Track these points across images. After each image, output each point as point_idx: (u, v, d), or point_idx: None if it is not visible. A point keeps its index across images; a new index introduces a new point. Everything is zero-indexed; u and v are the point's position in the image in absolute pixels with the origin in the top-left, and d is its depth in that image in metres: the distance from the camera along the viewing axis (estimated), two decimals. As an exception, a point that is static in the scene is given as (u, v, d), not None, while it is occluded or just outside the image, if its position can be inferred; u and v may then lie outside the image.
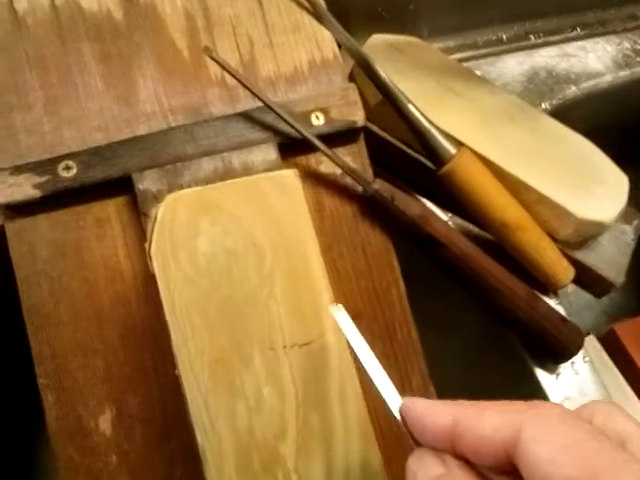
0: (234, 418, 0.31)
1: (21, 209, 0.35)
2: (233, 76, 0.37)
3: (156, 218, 0.32)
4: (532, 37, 0.61)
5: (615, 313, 0.75)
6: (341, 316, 0.29)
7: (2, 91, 0.37)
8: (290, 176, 0.34)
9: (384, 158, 0.51)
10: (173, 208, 0.32)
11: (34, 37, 0.38)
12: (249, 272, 0.32)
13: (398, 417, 0.25)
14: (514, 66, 0.60)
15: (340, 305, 0.30)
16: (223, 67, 0.36)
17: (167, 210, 0.32)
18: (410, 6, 0.54)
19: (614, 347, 0.66)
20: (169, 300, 0.31)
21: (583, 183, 0.46)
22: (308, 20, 0.42)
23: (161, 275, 0.32)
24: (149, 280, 0.34)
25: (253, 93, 0.37)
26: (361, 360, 0.28)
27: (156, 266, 0.32)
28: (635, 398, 0.61)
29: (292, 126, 0.37)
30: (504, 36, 0.61)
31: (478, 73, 0.59)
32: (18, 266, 0.36)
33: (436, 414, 0.24)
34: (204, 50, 0.36)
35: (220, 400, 0.31)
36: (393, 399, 0.26)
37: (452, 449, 0.23)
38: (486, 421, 0.22)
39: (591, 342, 0.66)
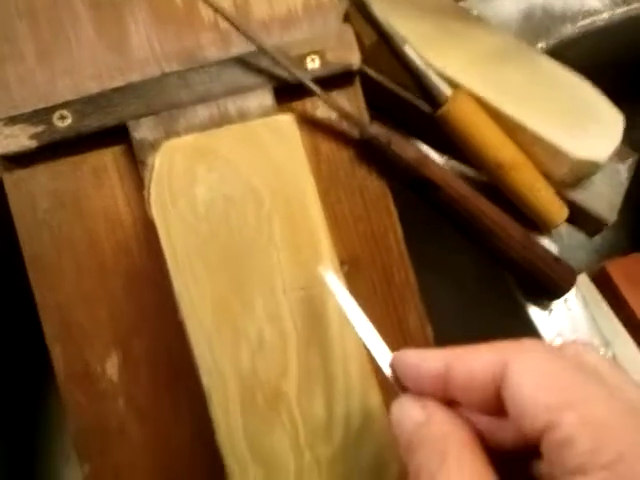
0: (237, 359, 0.32)
1: (18, 160, 0.36)
2: (227, 20, 0.36)
3: (153, 166, 0.33)
4: (529, -27, 0.60)
5: (607, 252, 0.76)
6: (331, 278, 0.31)
7: (-8, 40, 0.36)
8: (287, 121, 0.34)
9: (380, 101, 0.51)
10: (170, 156, 0.32)
11: (21, -17, 0.37)
12: (248, 218, 0.33)
13: (389, 372, 0.26)
14: (510, 5, 0.58)
15: (330, 267, 0.31)
16: (217, 11, 0.36)
17: (164, 158, 0.32)
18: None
19: (605, 284, 0.67)
20: (170, 247, 0.32)
21: (578, 122, 0.46)
22: (301, -41, 0.41)
23: (161, 223, 0.32)
24: (149, 227, 0.34)
25: (247, 37, 0.37)
26: (352, 320, 0.29)
27: (155, 214, 0.32)
28: (626, 333, 0.63)
29: (287, 69, 0.37)
30: (500, -27, 0.59)
31: (475, 12, 0.58)
32: (18, 217, 0.36)
33: (428, 360, 0.25)
34: (198, -4, 0.36)
35: (223, 342, 0.32)
36: (384, 355, 0.27)
37: (444, 394, 0.24)
38: (475, 359, 0.23)
39: (583, 280, 0.67)
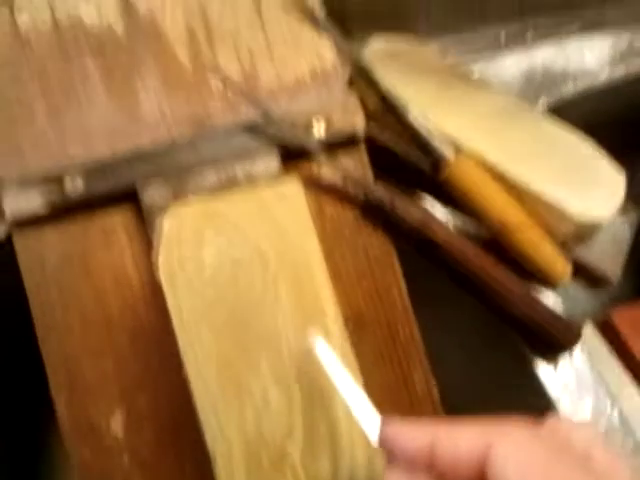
0: (243, 421, 0.32)
1: (29, 222, 0.36)
2: (235, 90, 0.37)
3: (162, 229, 0.33)
4: (529, 34, 0.61)
5: (612, 300, 0.76)
6: (320, 345, 0.32)
7: (6, 105, 0.37)
8: (292, 185, 0.35)
9: (384, 159, 0.52)
10: (179, 219, 0.33)
11: (37, 51, 0.38)
12: (254, 280, 0.33)
13: (377, 442, 0.27)
14: (512, 64, 0.60)
15: (319, 336, 0.32)
16: (225, 82, 0.37)
17: (173, 221, 0.33)
18: (407, 8, 0.55)
19: (611, 334, 0.67)
20: (176, 309, 0.32)
21: (580, 183, 0.47)
22: (308, 30, 0.43)
23: (168, 286, 0.32)
24: (156, 287, 0.35)
25: (256, 106, 0.38)
26: (339, 388, 0.30)
27: (163, 277, 0.33)
28: (632, 385, 0.62)
29: (294, 136, 0.38)
30: (502, 34, 0.61)
31: (476, 71, 0.59)
32: (27, 275, 0.37)
33: (414, 434, 0.25)
34: (209, 67, 0.37)
35: (228, 405, 0.32)
36: (373, 422, 0.27)
37: (431, 467, 0.24)
38: (460, 438, 0.24)
39: (588, 329, 0.67)
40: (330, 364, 0.31)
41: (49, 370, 0.36)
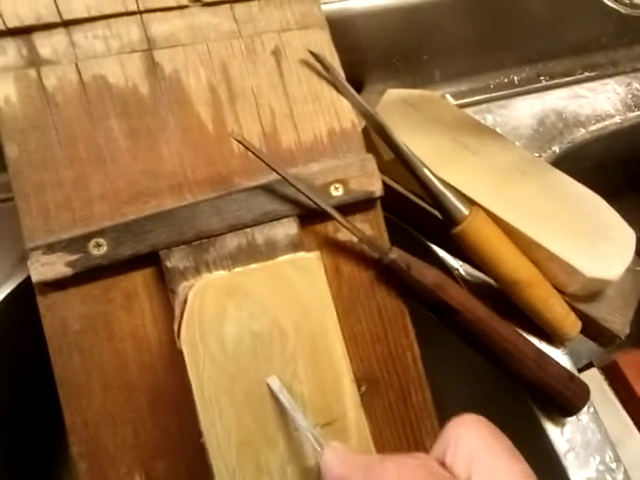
0: (261, 497, 0.33)
1: (53, 285, 0.37)
2: (257, 156, 0.38)
3: (185, 302, 0.34)
4: (543, 79, 0.62)
5: (617, 343, 0.77)
6: (275, 384, 0.33)
7: (33, 169, 0.38)
8: (312, 259, 0.36)
9: (397, 208, 0.53)
10: (202, 294, 0.34)
11: (64, 114, 0.39)
12: (274, 354, 0.34)
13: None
14: (525, 109, 0.61)
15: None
16: (248, 148, 0.38)
17: (196, 296, 0.34)
18: (424, 56, 0.55)
19: (616, 378, 0.67)
20: (198, 383, 0.33)
21: (591, 240, 0.48)
22: (327, 89, 0.43)
23: (190, 359, 0.33)
24: (174, 349, 0.35)
25: (276, 171, 0.38)
26: (289, 411, 0.32)
27: (185, 350, 0.33)
28: (637, 432, 0.63)
29: (312, 199, 0.39)
30: (516, 78, 0.62)
31: (490, 117, 0.60)
32: (50, 338, 0.37)
33: (348, 467, 0.26)
34: (230, 134, 0.38)
35: (247, 479, 0.33)
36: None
37: None
38: None
39: (593, 373, 0.68)
40: (285, 401, 0.33)
41: (70, 435, 0.37)
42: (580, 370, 0.63)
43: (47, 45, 0.40)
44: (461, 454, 0.25)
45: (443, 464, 0.25)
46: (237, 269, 0.37)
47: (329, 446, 0.29)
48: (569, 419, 0.47)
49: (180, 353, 0.34)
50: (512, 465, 0.24)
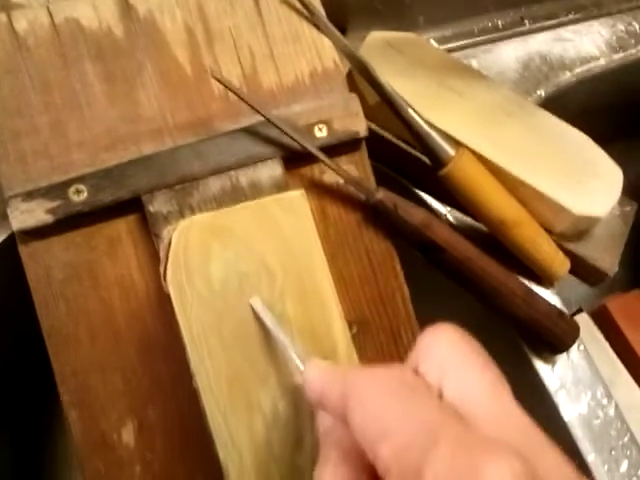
0: (253, 433, 0.33)
1: (34, 233, 0.36)
2: (238, 96, 0.37)
3: (170, 244, 0.33)
4: (527, 22, 0.61)
5: (607, 287, 0.77)
6: (258, 305, 0.33)
7: (8, 116, 0.37)
8: (297, 197, 0.35)
9: (383, 155, 0.52)
10: (186, 235, 0.33)
11: (36, 58, 0.38)
12: (261, 293, 0.34)
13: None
14: (510, 53, 0.60)
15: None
16: (228, 88, 0.37)
17: (180, 237, 0.33)
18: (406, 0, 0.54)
19: (606, 322, 0.68)
20: (186, 323, 0.33)
21: (578, 178, 0.48)
22: (308, 29, 0.42)
23: (177, 300, 0.33)
24: (162, 296, 0.35)
25: (258, 112, 0.38)
26: (272, 330, 0.32)
27: (172, 292, 0.33)
28: (627, 373, 0.63)
29: (296, 140, 0.38)
30: (500, 23, 0.61)
31: (474, 62, 0.59)
32: (35, 289, 0.37)
33: (329, 386, 0.26)
34: (210, 72, 0.37)
35: (239, 417, 0.33)
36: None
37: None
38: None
39: (583, 318, 0.68)
40: (268, 321, 0.32)
41: (60, 385, 0.36)
42: (570, 316, 0.64)
43: (16, -12, 0.38)
44: (432, 362, 0.25)
45: (417, 373, 0.25)
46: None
47: (310, 361, 0.28)
48: (559, 356, 0.47)
49: (167, 297, 0.34)
50: (483, 372, 0.24)
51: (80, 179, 0.37)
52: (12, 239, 0.38)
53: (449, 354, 0.25)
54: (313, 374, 0.27)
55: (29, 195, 0.36)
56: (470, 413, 0.23)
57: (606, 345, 0.66)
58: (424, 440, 0.21)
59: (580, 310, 0.69)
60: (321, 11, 0.42)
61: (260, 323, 0.33)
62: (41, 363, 0.37)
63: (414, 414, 0.22)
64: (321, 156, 0.39)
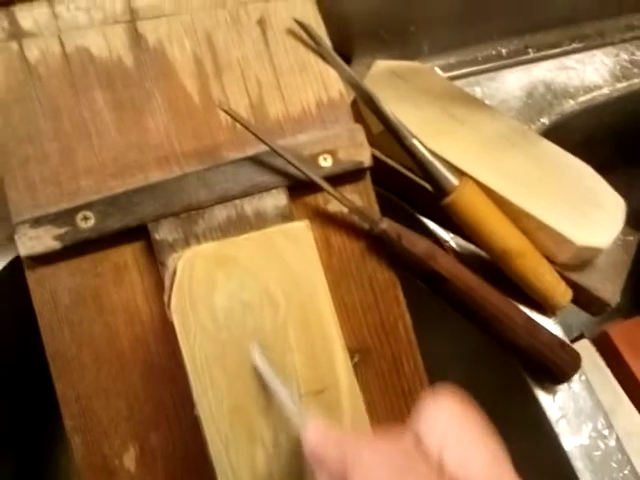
0: (254, 464, 0.33)
1: (42, 259, 0.37)
2: (244, 127, 0.38)
3: (175, 273, 0.34)
4: (531, 51, 0.62)
5: (608, 313, 0.77)
6: (257, 356, 0.33)
7: (18, 142, 0.37)
8: (302, 228, 0.35)
9: (387, 181, 0.52)
10: (191, 264, 0.34)
11: (47, 86, 0.38)
12: (264, 323, 0.34)
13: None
14: (513, 81, 0.61)
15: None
16: (235, 119, 0.38)
17: (186, 266, 0.34)
18: (411, 27, 0.55)
19: (607, 349, 0.68)
20: (189, 353, 0.33)
21: (581, 208, 0.48)
22: (314, 59, 0.43)
23: (181, 329, 0.33)
24: (166, 323, 0.35)
25: (264, 142, 0.38)
26: (272, 388, 0.32)
27: (176, 321, 0.33)
28: (628, 401, 0.63)
29: (301, 170, 0.39)
30: (503, 51, 0.61)
31: (478, 89, 0.60)
32: (40, 313, 0.37)
33: (328, 448, 0.26)
34: (217, 103, 0.37)
35: (240, 447, 0.33)
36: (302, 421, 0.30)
37: None
38: None
39: (585, 345, 0.68)
40: (267, 375, 0.32)
41: (64, 410, 0.36)
42: (571, 341, 0.64)
43: (28, 17, 0.39)
44: (434, 430, 0.25)
45: (417, 439, 0.25)
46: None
47: (310, 423, 0.29)
48: (561, 387, 0.48)
49: (171, 324, 0.34)
50: (483, 442, 0.25)
51: (88, 206, 0.37)
52: (17, 262, 0.39)
53: (451, 422, 0.25)
54: (312, 433, 0.27)
55: (37, 222, 0.36)
56: None
57: (607, 372, 0.66)
58: None
59: (581, 336, 0.69)
60: (327, 42, 0.43)
61: (258, 373, 0.33)
62: (44, 381, 0.38)
63: None
64: (325, 186, 0.39)
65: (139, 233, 0.38)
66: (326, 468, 0.26)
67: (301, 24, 0.42)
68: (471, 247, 0.52)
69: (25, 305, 0.37)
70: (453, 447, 0.24)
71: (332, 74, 0.43)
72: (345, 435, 0.26)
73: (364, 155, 0.41)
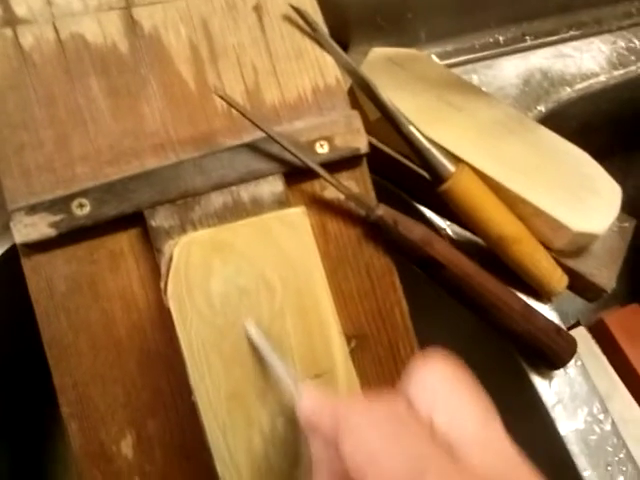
0: (251, 448, 0.33)
1: (37, 246, 0.37)
2: (240, 112, 0.38)
3: (171, 259, 0.34)
4: (528, 38, 0.62)
5: (604, 301, 0.78)
6: (253, 329, 0.33)
7: (12, 129, 0.37)
8: (298, 214, 0.35)
9: (384, 168, 0.52)
10: (187, 250, 0.34)
11: (41, 73, 0.38)
12: (261, 309, 0.34)
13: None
14: (510, 69, 0.60)
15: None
16: (231, 105, 0.37)
17: (182, 252, 0.34)
18: (408, 14, 0.55)
19: (603, 336, 0.69)
20: (186, 339, 0.33)
21: (577, 195, 0.48)
22: (310, 45, 0.43)
23: (178, 315, 0.33)
24: (163, 309, 0.35)
25: (260, 128, 0.38)
26: (266, 355, 0.32)
27: (173, 307, 0.33)
28: (624, 388, 0.64)
29: (297, 157, 0.39)
30: (501, 38, 0.61)
31: (475, 77, 0.60)
32: (36, 301, 0.37)
33: (321, 416, 0.27)
34: (213, 89, 0.37)
35: (238, 432, 0.33)
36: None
37: None
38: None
39: (581, 332, 0.69)
40: (262, 345, 0.33)
41: (60, 396, 0.36)
42: (568, 329, 0.64)
43: (23, 4, 0.39)
44: (424, 392, 0.25)
45: (408, 401, 0.25)
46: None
47: (304, 389, 0.29)
48: (557, 372, 0.48)
49: (168, 311, 0.34)
50: (473, 402, 0.25)
51: (83, 193, 0.37)
52: (13, 251, 0.39)
53: (441, 384, 0.25)
54: (306, 402, 0.28)
55: (32, 209, 0.36)
56: (459, 441, 0.23)
57: (603, 359, 0.67)
58: (412, 472, 0.21)
59: (578, 324, 0.69)
60: (324, 28, 0.43)
61: (254, 347, 0.33)
62: (40, 369, 0.38)
63: (403, 447, 0.22)
64: (322, 172, 0.39)
65: (135, 220, 0.38)
66: (321, 435, 0.26)
67: (297, 10, 0.42)
68: (467, 234, 0.52)
69: (22, 293, 0.37)
70: (443, 409, 0.25)
71: (329, 60, 0.43)
72: (338, 401, 0.26)
73: (361, 142, 0.41)
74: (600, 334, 0.68)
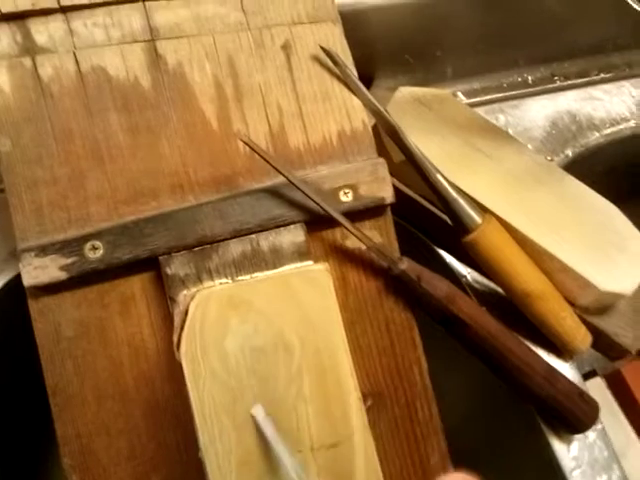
0: (260, 520, 0.31)
1: (46, 289, 0.35)
2: (264, 159, 0.36)
3: (186, 313, 0.32)
4: (557, 79, 0.60)
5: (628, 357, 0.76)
6: (259, 414, 0.31)
7: (26, 164, 0.36)
8: (321, 272, 0.34)
9: (405, 210, 0.51)
10: (204, 306, 0.32)
11: (60, 106, 0.37)
12: (278, 371, 0.32)
13: None
14: (538, 110, 0.59)
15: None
16: (254, 150, 0.36)
17: (198, 308, 0.32)
18: (436, 52, 0.53)
19: (619, 387, 0.66)
20: (198, 400, 0.31)
21: (606, 252, 0.46)
22: (338, 87, 0.41)
23: (190, 374, 0.31)
24: (173, 358, 0.34)
25: (284, 175, 0.36)
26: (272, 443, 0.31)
27: (185, 365, 0.32)
28: (639, 443, 0.62)
29: (320, 205, 0.37)
30: (529, 78, 0.60)
31: (502, 117, 0.58)
32: (42, 345, 0.35)
33: None
34: (236, 134, 0.36)
35: (247, 502, 0.31)
36: None
37: None
38: None
39: (597, 383, 0.66)
40: (269, 435, 0.31)
41: (62, 447, 0.35)
42: (583, 377, 0.62)
43: (43, 32, 0.37)
44: None
45: None
46: (241, 278, 0.35)
47: None
48: (576, 436, 0.46)
49: (179, 364, 0.33)
50: None
51: (97, 235, 0.35)
52: (17, 279, 0.37)
53: None
54: None
55: (43, 250, 0.35)
56: None
57: (619, 412, 0.64)
58: None
59: (594, 373, 0.67)
60: (353, 71, 0.41)
61: (261, 433, 0.31)
62: (38, 398, 0.36)
63: None
64: (345, 223, 0.37)
65: (149, 264, 0.36)
66: None
67: (327, 51, 0.40)
68: (488, 283, 0.50)
69: (25, 322, 0.36)
70: None
71: (356, 103, 0.41)
72: None
73: (386, 191, 0.40)
74: (616, 384, 0.66)
